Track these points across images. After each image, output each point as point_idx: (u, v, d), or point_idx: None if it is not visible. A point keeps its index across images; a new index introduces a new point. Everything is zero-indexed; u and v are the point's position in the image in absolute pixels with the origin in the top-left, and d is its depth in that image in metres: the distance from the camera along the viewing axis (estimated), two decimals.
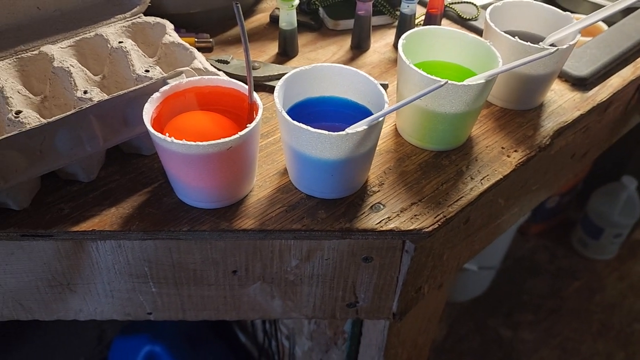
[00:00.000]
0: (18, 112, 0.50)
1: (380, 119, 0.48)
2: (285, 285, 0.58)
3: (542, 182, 0.71)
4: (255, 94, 0.50)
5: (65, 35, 0.62)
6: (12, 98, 0.53)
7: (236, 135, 0.46)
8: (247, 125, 0.47)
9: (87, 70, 0.58)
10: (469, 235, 0.63)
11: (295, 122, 0.47)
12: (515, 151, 0.60)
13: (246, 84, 0.50)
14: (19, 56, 0.59)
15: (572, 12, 0.91)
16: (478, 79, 0.53)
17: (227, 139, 0.46)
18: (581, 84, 0.68)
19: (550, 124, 0.63)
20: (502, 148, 0.60)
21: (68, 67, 0.56)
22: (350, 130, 0.47)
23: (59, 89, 0.57)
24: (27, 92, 0.56)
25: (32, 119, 0.50)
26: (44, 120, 0.49)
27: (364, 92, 0.54)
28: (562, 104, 0.66)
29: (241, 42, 0.72)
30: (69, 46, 0.61)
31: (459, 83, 0.52)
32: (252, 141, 0.49)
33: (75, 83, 0.55)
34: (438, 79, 0.52)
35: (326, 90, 0.55)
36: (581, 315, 1.61)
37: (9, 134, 0.47)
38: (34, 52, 0.59)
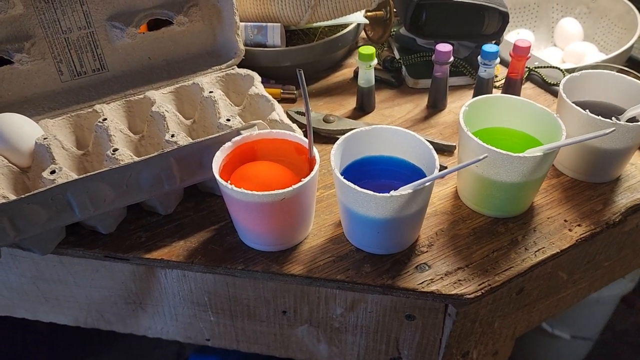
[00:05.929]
0: (115, 150, 0.59)
1: (427, 184, 0.50)
2: (331, 332, 0.61)
3: (616, 259, 0.67)
4: (315, 150, 0.54)
5: (168, 82, 0.71)
6: (114, 136, 0.62)
7: (289, 188, 0.50)
8: (302, 179, 0.51)
9: (179, 115, 0.66)
10: (525, 306, 0.62)
11: (345, 180, 0.50)
12: (579, 225, 0.58)
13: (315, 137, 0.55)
14: (128, 99, 0.68)
15: None
16: (535, 152, 0.53)
17: (281, 191, 0.50)
18: None
19: (623, 200, 0.60)
20: (565, 221, 0.58)
21: (163, 112, 0.64)
22: (394, 193, 0.49)
23: (154, 130, 0.65)
24: (128, 131, 0.65)
25: (125, 156, 0.58)
26: (131, 160, 0.56)
27: (419, 155, 0.56)
28: None
29: (320, 96, 0.78)
30: (169, 92, 0.69)
31: (514, 154, 0.52)
32: (305, 194, 0.53)
33: (167, 126, 0.63)
34: (491, 148, 0.52)
35: (385, 150, 0.58)
36: None
37: (103, 170, 0.55)
38: (140, 96, 0.68)
